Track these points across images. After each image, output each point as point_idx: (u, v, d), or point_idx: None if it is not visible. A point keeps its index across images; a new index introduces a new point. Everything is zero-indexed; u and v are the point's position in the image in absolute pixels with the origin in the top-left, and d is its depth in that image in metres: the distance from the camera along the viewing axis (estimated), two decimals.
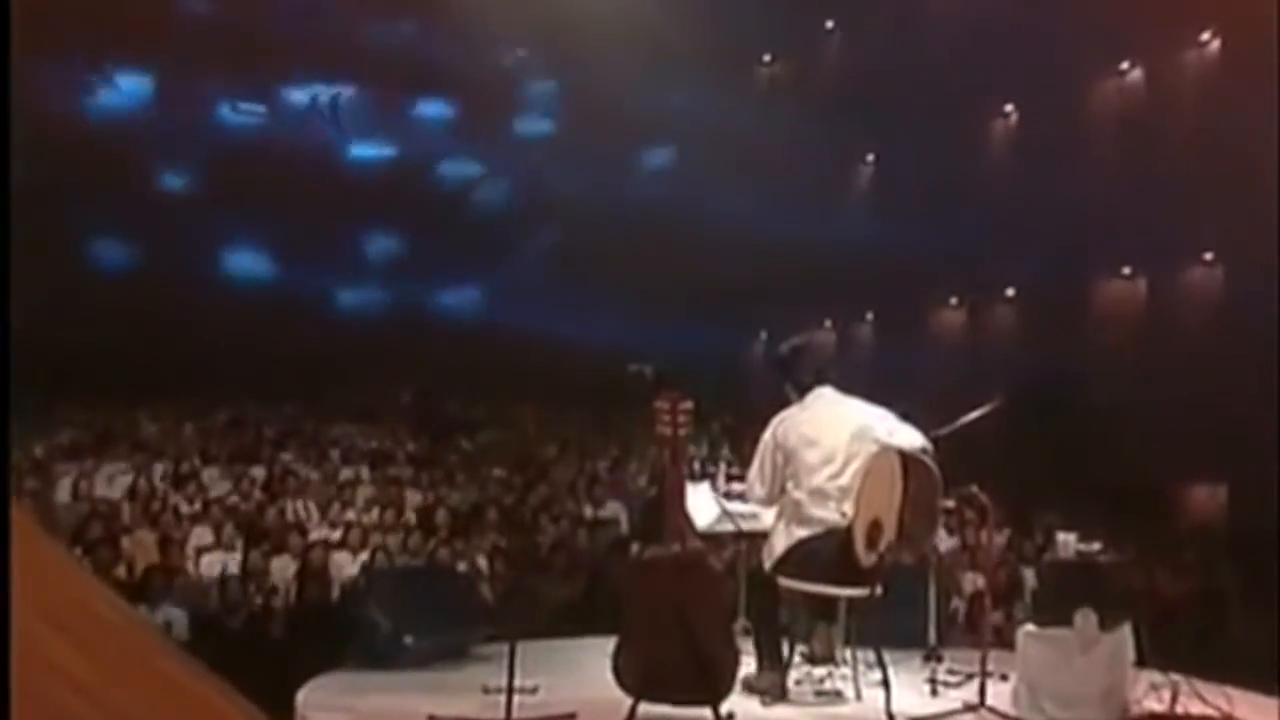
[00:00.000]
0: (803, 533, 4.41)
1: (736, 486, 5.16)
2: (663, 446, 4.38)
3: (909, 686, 4.50)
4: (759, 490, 4.60)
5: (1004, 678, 4.38)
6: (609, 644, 4.09)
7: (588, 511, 10.40)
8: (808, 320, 14.12)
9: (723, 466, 5.12)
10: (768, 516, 4.89)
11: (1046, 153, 11.03)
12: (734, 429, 14.96)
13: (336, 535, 8.89)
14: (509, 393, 15.66)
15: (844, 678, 4.50)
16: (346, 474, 10.67)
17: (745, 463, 4.98)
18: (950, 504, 5.19)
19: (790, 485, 4.52)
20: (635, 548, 9.34)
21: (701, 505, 5.20)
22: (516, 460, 12.01)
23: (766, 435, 4.61)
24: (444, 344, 15.73)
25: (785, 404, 4.67)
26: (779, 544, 4.46)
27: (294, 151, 14.32)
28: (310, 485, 10.22)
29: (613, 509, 10.48)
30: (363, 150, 14.44)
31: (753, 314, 15.57)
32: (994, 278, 13.05)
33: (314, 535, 8.95)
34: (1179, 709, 3.95)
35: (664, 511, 4.33)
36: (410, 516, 9.84)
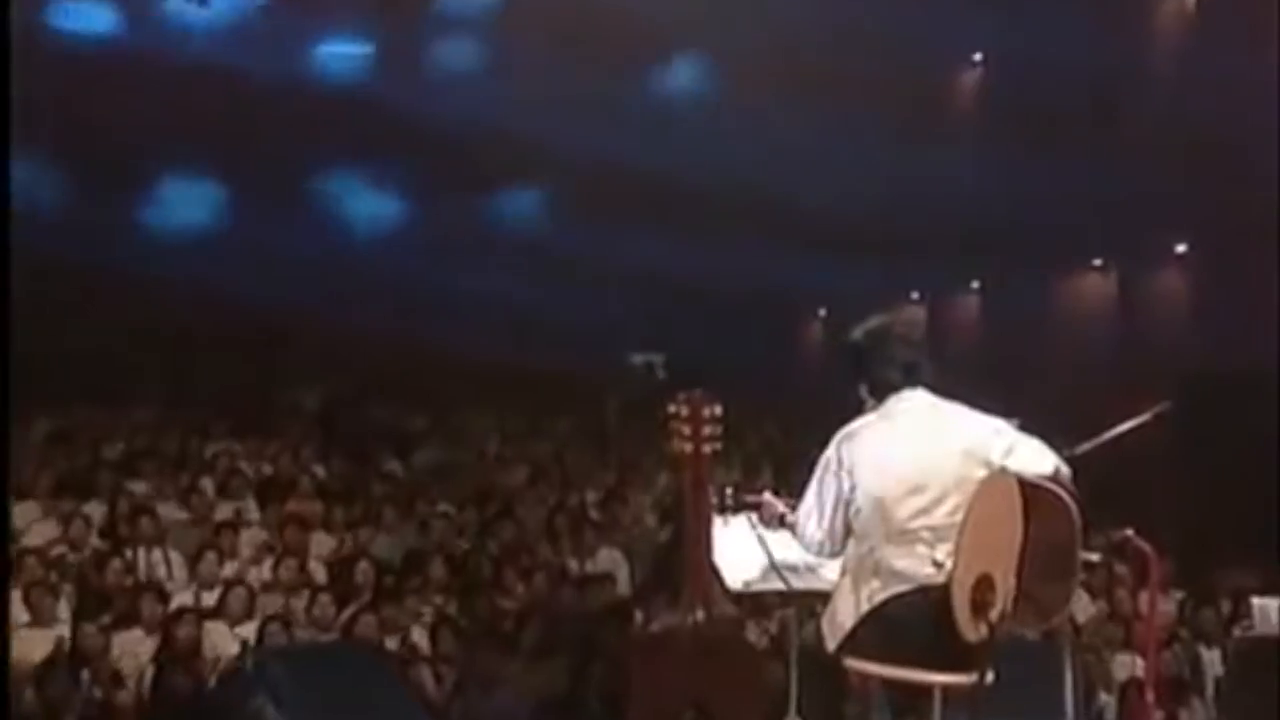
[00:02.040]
0: (881, 594, 4.43)
1: (755, 499, 5.15)
2: (680, 469, 4.41)
3: None
4: (815, 532, 4.62)
5: None
6: None
7: (573, 564, 10.47)
8: (888, 291, 14.35)
9: (768, 495, 5.13)
10: (830, 570, 4.93)
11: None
12: (779, 445, 15.21)
13: (211, 599, 8.95)
14: (460, 395, 15.83)
15: None
16: (225, 511, 10.71)
17: (796, 493, 5.03)
18: (1094, 555, 5.19)
19: (861, 526, 4.54)
20: (640, 616, 9.55)
21: (735, 553, 5.24)
22: (471, 491, 12.08)
23: (829, 455, 4.63)
24: (367, 327, 15.85)
25: (856, 411, 4.70)
26: (846, 610, 4.48)
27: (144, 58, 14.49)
28: (173, 528, 10.23)
29: (608, 560, 10.56)
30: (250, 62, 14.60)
31: (808, 284, 15.69)
32: (1158, 229, 12.93)
33: (178, 600, 8.99)
34: None
35: (681, 564, 4.56)
36: (317, 571, 9.90)
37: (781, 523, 5.00)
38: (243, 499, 11.05)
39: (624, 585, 10.31)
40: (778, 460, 13.69)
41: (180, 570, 9.73)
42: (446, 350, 15.88)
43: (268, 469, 12.13)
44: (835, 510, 4.58)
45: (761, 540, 5.07)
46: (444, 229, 16.18)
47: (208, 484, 11.31)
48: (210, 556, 9.45)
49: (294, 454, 12.32)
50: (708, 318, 15.66)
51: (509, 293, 15.93)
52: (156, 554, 9.56)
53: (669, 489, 12.11)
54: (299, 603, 9.10)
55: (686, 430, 4.49)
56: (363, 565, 9.55)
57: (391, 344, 15.99)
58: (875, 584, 4.44)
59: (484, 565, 10.04)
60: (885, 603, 4.42)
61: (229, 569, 9.62)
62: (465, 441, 13.93)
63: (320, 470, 12.10)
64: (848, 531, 4.57)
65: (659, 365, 18.71)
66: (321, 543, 10.46)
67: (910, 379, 4.64)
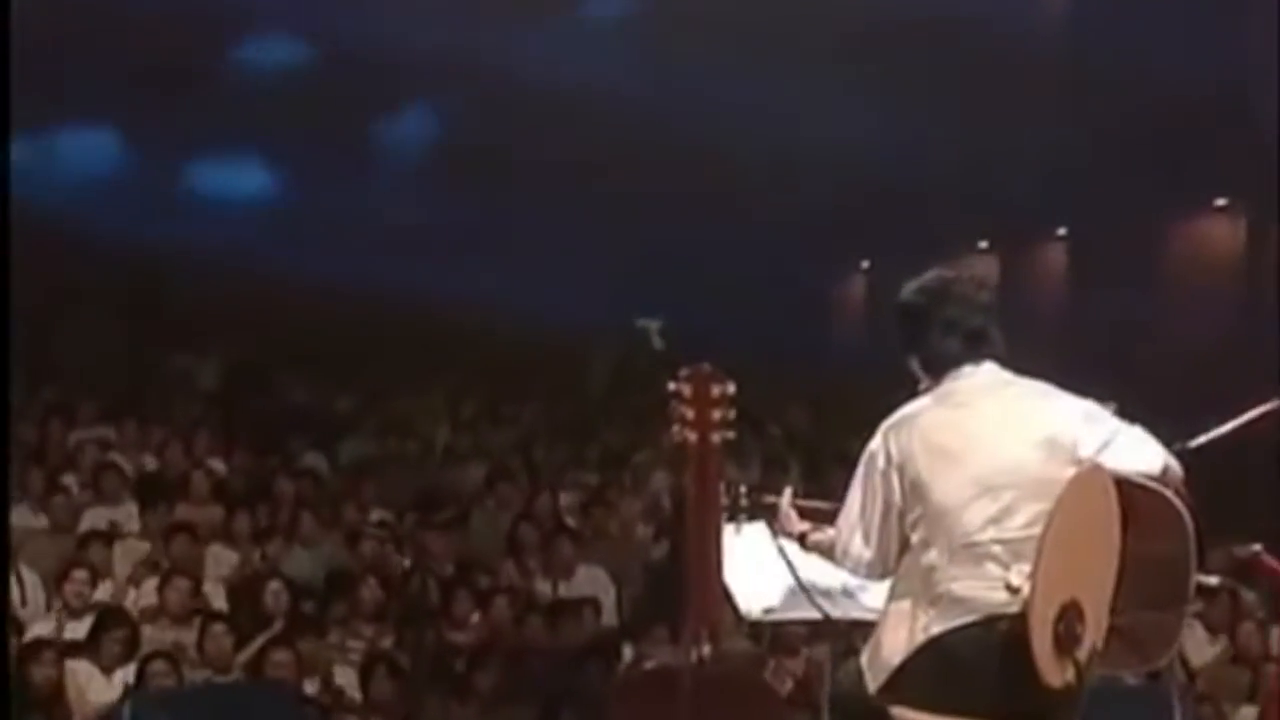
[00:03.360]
0: (939, 625, 4.44)
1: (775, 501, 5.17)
2: (681, 465, 4.42)
3: None
4: (860, 549, 4.64)
5: None
6: None
7: (543, 586, 10.57)
8: (949, 239, 14.48)
9: (787, 496, 5.16)
10: (873, 595, 4.97)
11: None
12: (809, 436, 15.34)
13: (78, 631, 8.99)
14: (400, 370, 15.90)
15: None
16: (95, 518, 10.75)
17: (829, 495, 5.07)
18: (1212, 579, 5.20)
19: (917, 537, 4.55)
20: (629, 653, 9.63)
21: (751, 572, 5.29)
22: (413, 493, 12.14)
23: (874, 449, 4.64)
24: (279, 279, 15.96)
25: (909, 393, 4.72)
26: (894, 645, 4.50)
27: None
28: (27, 539, 10.29)
29: (588, 581, 10.66)
30: None
31: (846, 229, 15.80)
32: None
33: (34, 631, 9.04)
34: None
35: (682, 585, 4.51)
36: (215, 595, 9.94)
37: (803, 543, 5.02)
38: (118, 502, 11.06)
39: (609, 613, 10.40)
40: (807, 454, 13.78)
41: (37, 593, 9.74)
42: (382, 311, 15.93)
43: (150, 463, 12.17)
44: (885, 521, 4.59)
45: (785, 555, 5.08)
46: (377, 152, 16.32)
47: (72, 482, 11.34)
48: (77, 576, 9.46)
49: (185, 444, 12.34)
50: (716, 273, 15.77)
51: (461, 238, 16.01)
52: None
53: (666, 490, 12.19)
54: (190, 635, 9.12)
55: (690, 414, 4.49)
56: (273, 587, 9.59)
57: (311, 301, 16.05)
58: (932, 613, 4.45)
59: (429, 588, 10.07)
60: (944, 636, 4.42)
61: (101, 591, 9.63)
62: (405, 429, 13.98)
63: (219, 465, 12.14)
64: (902, 547, 4.58)
65: (655, 332, 18.72)
66: (220, 558, 10.50)
67: (976, 350, 4.63)
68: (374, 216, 16.27)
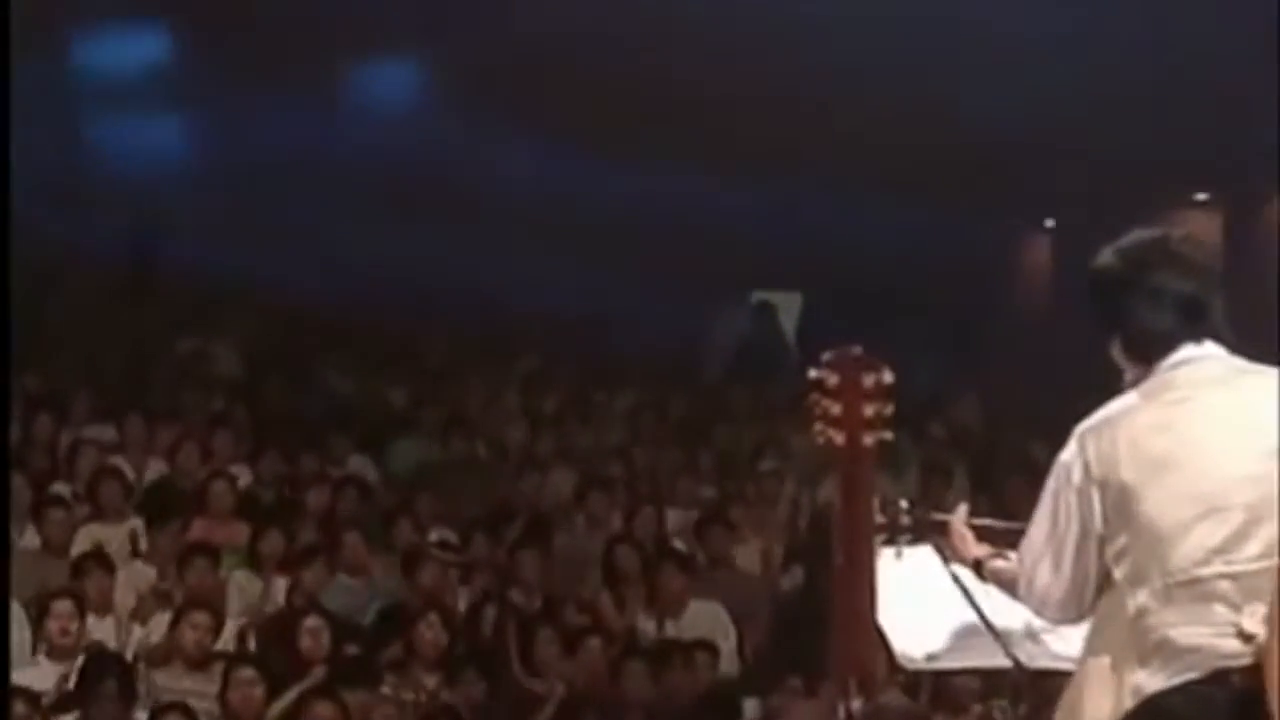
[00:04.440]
0: (1155, 682, 4.42)
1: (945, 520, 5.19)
2: (823, 472, 4.40)
3: None
4: (1050, 584, 4.63)
5: None
6: None
7: (646, 625, 10.62)
8: (1158, 189, 14.33)
9: (961, 513, 5.13)
10: (1068, 640, 4.94)
11: None
12: (978, 437, 15.28)
13: (51, 679, 9.11)
14: (466, 355, 15.96)
15: None
16: (92, 537, 10.88)
17: (1005, 511, 5.06)
18: None
19: (1122, 572, 4.52)
20: (753, 709, 9.63)
21: (912, 608, 5.28)
22: (483, 508, 12.21)
23: (1066, 460, 4.62)
24: (320, 246, 16.10)
25: (1110, 388, 4.70)
26: (1099, 706, 4.48)
27: None
28: (11, 563, 10.41)
29: (702, 618, 10.69)
30: None
31: (1027, 178, 15.70)
32: None
33: (17, 678, 9.07)
34: None
35: (823, 624, 4.52)
36: (236, 634, 10.04)
37: (979, 572, 5.01)
38: (120, 517, 11.22)
39: (728, 659, 10.41)
40: (976, 460, 13.69)
41: (21, 631, 9.83)
42: (445, 281, 16.04)
43: (159, 468, 12.31)
44: (1080, 549, 4.56)
45: (961, 584, 5.07)
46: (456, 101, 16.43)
47: (63, 491, 11.51)
48: (66, 608, 9.57)
49: (201, 445, 12.48)
50: (859, 237, 15.75)
51: (540, 194, 16.08)
52: None
53: (802, 505, 12.15)
54: (210, 684, 9.20)
55: (835, 410, 4.45)
56: (311, 624, 9.66)
57: (355, 270, 16.15)
58: (1145, 668, 4.43)
59: (504, 626, 10.10)
60: (1161, 697, 4.39)
61: (99, 629, 9.76)
62: (472, 428, 14.03)
63: (243, 472, 12.26)
64: (1102, 583, 4.56)
65: (785, 309, 18.83)
66: (246, 588, 10.62)
67: (1193, 326, 4.59)
68: (454, 177, 16.32)
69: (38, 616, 9.62)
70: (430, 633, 9.81)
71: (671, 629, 10.52)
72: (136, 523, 11.17)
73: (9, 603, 9.02)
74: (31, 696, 8.77)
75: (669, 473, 13.41)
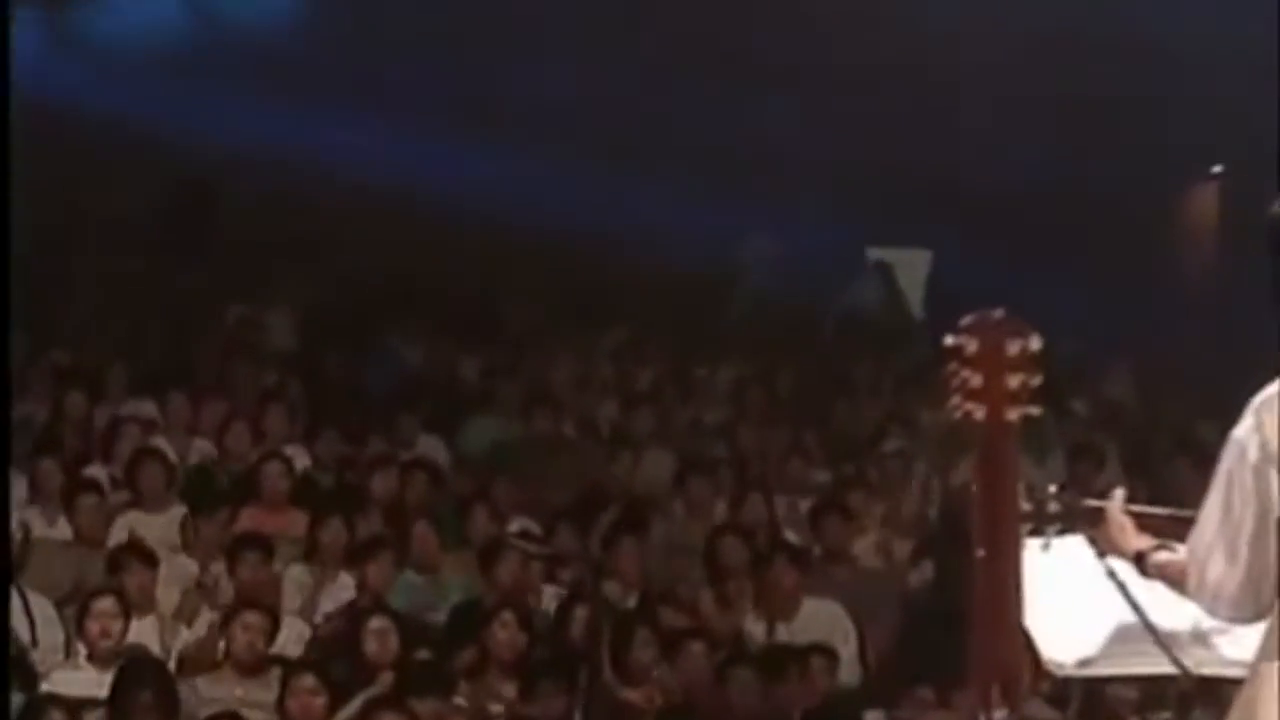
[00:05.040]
0: None
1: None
2: (959, 452, 4.38)
3: None
4: (1221, 572, 4.63)
5: None
6: None
7: (756, 627, 10.62)
8: None
9: (1118, 499, 5.09)
10: (1239, 643, 4.97)
11: None
12: (1133, 414, 15.20)
13: (101, 684, 9.09)
14: (549, 322, 16.08)
15: None
16: (130, 528, 10.95)
17: (1164, 497, 5.09)
18: None
19: None
20: None
21: (1062, 606, 5.31)
22: (571, 494, 12.28)
23: (1241, 434, 4.65)
24: (385, 201, 16.24)
25: None
26: (1276, 716, 4.48)
27: None
28: (38, 552, 10.54)
29: (819, 619, 10.69)
30: None
31: (1178, 122, 15.60)
32: None
33: (48, 684, 9.23)
34: None
35: (958, 627, 4.49)
36: (295, 636, 10.10)
37: (1140, 566, 5.00)
38: (163, 505, 11.30)
39: (848, 665, 10.41)
40: (1131, 440, 13.59)
41: (50, 630, 9.96)
42: (526, 238, 16.05)
43: (206, 451, 12.40)
44: (1259, 536, 4.56)
45: (1117, 580, 5.05)
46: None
47: (100, 476, 11.59)
48: (108, 606, 9.62)
49: (252, 425, 12.55)
50: (989, 187, 15.68)
51: (636, 136, 16.06)
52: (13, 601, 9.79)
53: (933, 490, 12.10)
54: (265, 692, 9.24)
55: (975, 381, 4.43)
56: (376, 625, 9.70)
57: (426, 226, 16.21)
58: None
59: (595, 627, 10.09)
60: None
61: (137, 630, 9.79)
62: (557, 404, 14.03)
63: (300, 455, 12.33)
64: None
65: (911, 267, 18.67)
66: (303, 584, 10.66)
67: None
68: (517, 104, 16.33)
69: (78, 616, 9.69)
70: (509, 635, 9.81)
71: (783, 631, 10.50)
72: (180, 511, 11.24)
73: (9, 600, 9.07)
74: (72, 705, 8.82)
75: (779, 454, 13.33)
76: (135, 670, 9.16)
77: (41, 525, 11.01)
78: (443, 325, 15.68)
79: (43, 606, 10.07)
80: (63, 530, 11.02)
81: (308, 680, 9.12)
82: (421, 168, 16.33)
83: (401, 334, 15.38)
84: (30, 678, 9.18)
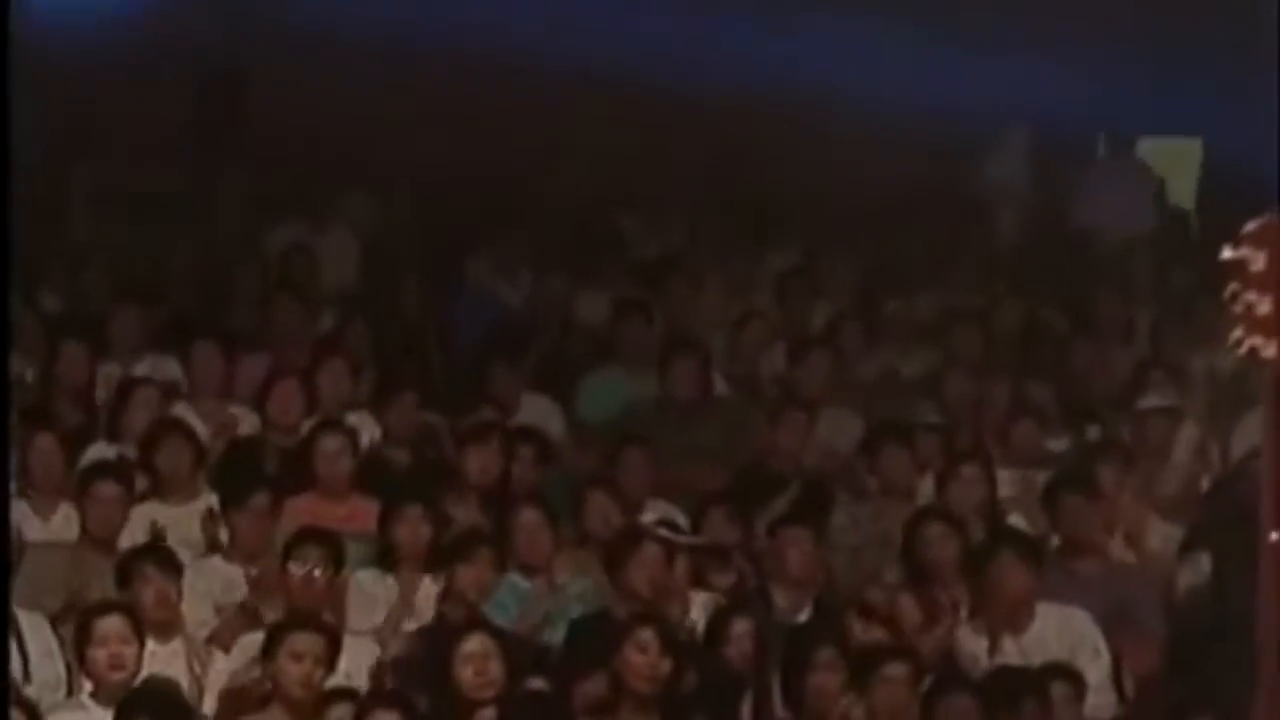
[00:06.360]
0: None
1: None
2: (1244, 404, 4.38)
3: None
4: None
5: None
6: None
7: (973, 642, 10.60)
8: None
9: None
10: None
11: None
12: None
13: None
14: (695, 238, 16.14)
15: None
16: (147, 522, 11.05)
17: None
18: None
19: None
20: None
21: None
22: (726, 470, 12.31)
23: None
24: (469, 82, 16.37)
25: None
26: None
27: None
28: (32, 562, 10.58)
29: (1057, 628, 10.64)
30: None
31: None
32: None
33: None
34: None
35: (1247, 637, 4.64)
36: (361, 665, 10.19)
37: None
38: (188, 494, 11.45)
39: (1099, 691, 10.38)
40: None
41: (46, 660, 10.06)
42: (660, 120, 16.09)
43: (244, 420, 12.52)
44: None
45: None
46: None
47: (106, 454, 11.71)
48: (116, 628, 9.70)
49: (304, 387, 12.62)
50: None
51: None
52: None
53: (1209, 458, 12.02)
54: None
55: (1264, 308, 4.39)
56: (472, 647, 9.74)
57: (524, 124, 16.19)
58: None
59: (759, 644, 10.10)
60: None
61: (158, 657, 9.91)
62: (706, 353, 13.98)
63: (366, 425, 12.44)
64: None
65: (1173, 161, 18.45)
66: (374, 595, 10.79)
67: None
68: None
69: (77, 640, 9.76)
70: (647, 658, 9.80)
71: (1011, 649, 10.49)
72: (211, 500, 11.32)
73: (9, 600, 9.17)
74: None
75: (1000, 414, 13.32)
76: (150, 710, 9.20)
77: (34, 524, 11.07)
78: (551, 253, 15.67)
79: (37, 628, 10.11)
80: (59, 529, 11.10)
81: (387, 718, 9.16)
82: (520, 33, 16.28)
83: (496, 263, 15.39)
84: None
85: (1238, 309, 4.52)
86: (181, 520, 11.14)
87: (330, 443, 11.66)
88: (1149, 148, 17.88)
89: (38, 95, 12.18)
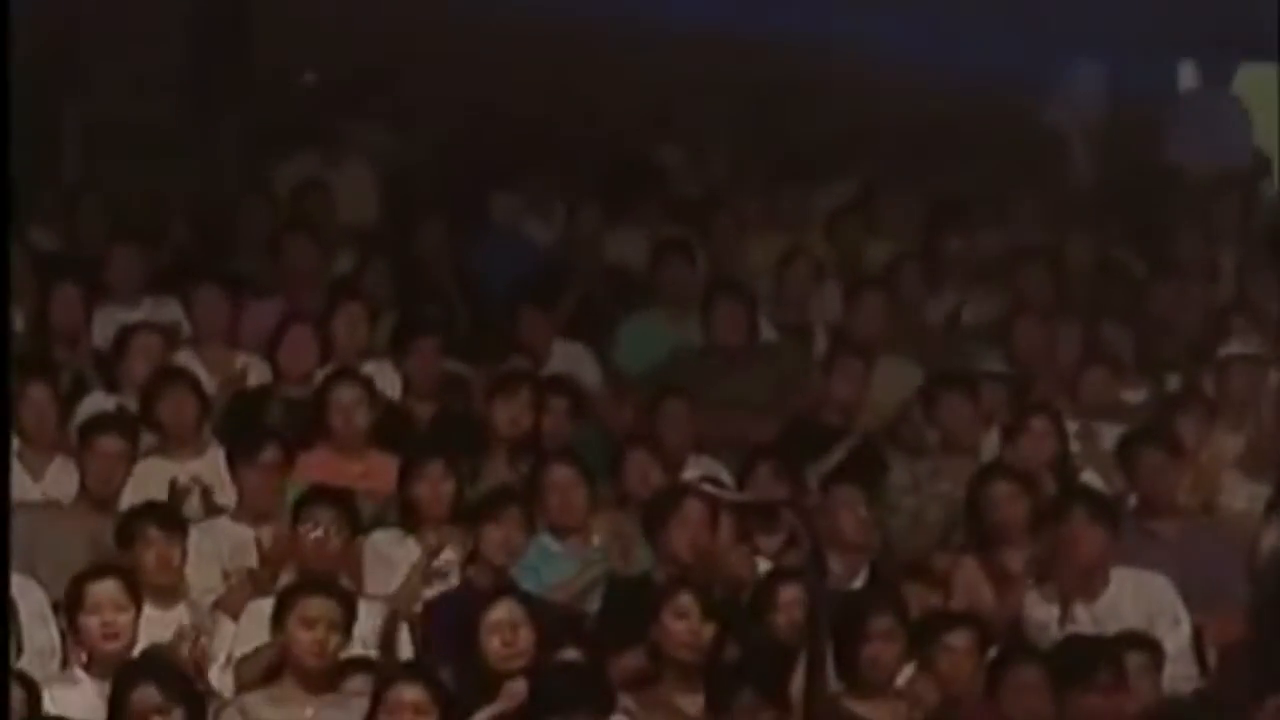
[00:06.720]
0: None
1: None
2: None
3: None
4: None
5: None
6: None
7: (1043, 610, 10.59)
8: None
9: None
10: None
11: None
12: None
13: (95, 705, 9.22)
14: (739, 171, 16.15)
15: None
16: (151, 479, 11.08)
17: None
18: None
19: None
20: None
21: None
22: (774, 422, 12.33)
23: None
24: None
25: None
26: None
27: None
28: (25, 526, 10.40)
29: (1134, 599, 10.59)
30: None
31: None
32: None
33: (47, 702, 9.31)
34: None
35: None
36: (379, 631, 10.15)
37: None
38: (193, 449, 11.49)
39: (1179, 662, 10.38)
40: None
41: (43, 628, 10.09)
42: (700, 44, 16.12)
43: (253, 369, 12.51)
44: None
45: None
46: None
47: (105, 405, 11.76)
48: (110, 593, 9.68)
49: (319, 333, 12.60)
50: None
51: None
52: None
53: None
54: (341, 713, 9.34)
55: None
56: (500, 615, 9.69)
57: (558, 31, 16.26)
58: None
59: (811, 613, 10.05)
60: None
61: (159, 625, 9.89)
62: (752, 295, 13.96)
63: (385, 375, 12.44)
64: None
65: (1256, 90, 18.37)
66: (394, 559, 10.78)
67: None
68: None
69: (68, 607, 9.73)
70: (688, 626, 9.79)
71: (1084, 617, 10.46)
72: (216, 455, 11.32)
73: (9, 577, 9.20)
74: None
75: (1071, 362, 13.29)
76: (149, 680, 9.15)
77: (25, 482, 11.05)
78: (585, 188, 15.64)
79: (30, 595, 10.09)
80: (53, 487, 11.11)
81: (410, 692, 9.08)
82: None
83: (527, 199, 15.36)
84: (34, 698, 9.20)
85: None
86: (185, 476, 11.13)
87: (346, 394, 11.63)
88: (1239, 79, 17.79)
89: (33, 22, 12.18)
